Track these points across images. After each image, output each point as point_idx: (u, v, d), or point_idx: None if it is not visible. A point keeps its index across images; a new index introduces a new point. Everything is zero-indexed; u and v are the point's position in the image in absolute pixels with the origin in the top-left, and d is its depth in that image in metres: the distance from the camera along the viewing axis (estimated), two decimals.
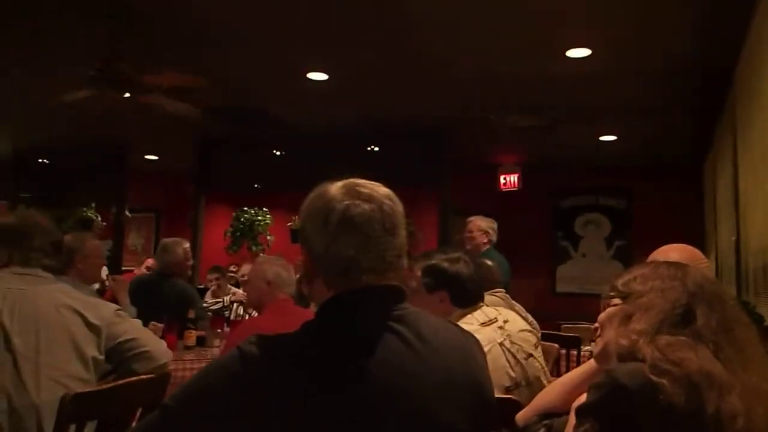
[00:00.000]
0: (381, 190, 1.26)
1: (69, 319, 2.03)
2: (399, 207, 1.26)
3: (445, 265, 2.29)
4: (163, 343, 2.28)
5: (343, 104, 6.58)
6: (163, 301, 4.27)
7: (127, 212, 9.18)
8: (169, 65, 4.98)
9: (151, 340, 2.20)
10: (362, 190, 1.23)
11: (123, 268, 9.30)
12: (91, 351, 2.03)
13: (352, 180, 1.26)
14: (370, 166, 7.52)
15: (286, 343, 1.11)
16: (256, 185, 9.31)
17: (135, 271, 6.82)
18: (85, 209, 9.51)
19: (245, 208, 9.48)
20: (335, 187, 1.24)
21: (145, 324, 4.00)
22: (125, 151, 9.00)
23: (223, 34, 4.90)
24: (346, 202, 1.19)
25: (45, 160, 9.78)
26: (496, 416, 1.33)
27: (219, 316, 4.74)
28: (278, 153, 8.46)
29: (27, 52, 5.37)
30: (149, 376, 2.05)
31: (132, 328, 2.17)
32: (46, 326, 2.00)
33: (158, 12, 4.55)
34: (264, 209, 9.51)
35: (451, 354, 1.21)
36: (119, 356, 2.11)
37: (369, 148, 7.94)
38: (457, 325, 1.38)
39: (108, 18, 4.48)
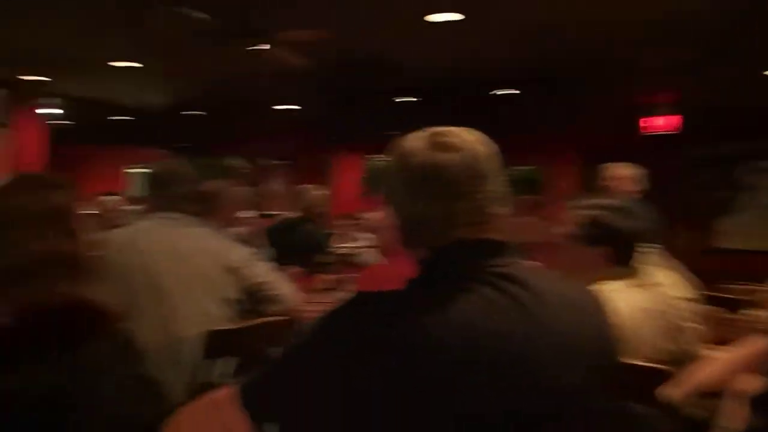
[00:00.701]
0: (468, 135, 1.15)
1: (208, 260, 2.15)
2: (492, 151, 1.15)
3: (615, 217, 1.98)
4: (293, 287, 2.36)
5: (473, 46, 6.36)
6: (297, 245, 4.44)
7: (266, 161, 9.60)
8: (296, 18, 5.02)
9: (282, 283, 2.28)
10: (446, 138, 1.13)
11: (262, 213, 9.79)
12: (227, 292, 2.15)
13: (433, 129, 1.17)
14: (500, 111, 7.37)
15: (386, 301, 1.06)
16: (387, 133, 9.34)
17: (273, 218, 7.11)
18: (230, 158, 9.99)
19: (376, 156, 9.59)
20: (415, 139, 1.15)
21: (279, 267, 4.22)
22: (265, 102, 9.35)
23: None
24: (429, 153, 1.10)
25: (201, 112, 10.40)
26: (623, 381, 1.21)
27: (349, 262, 4.86)
28: (408, 100, 8.43)
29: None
30: (281, 317, 2.13)
31: (265, 271, 2.26)
32: (187, 267, 2.13)
33: None
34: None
35: (568, 313, 1.09)
36: (253, 298, 2.21)
37: (498, 93, 7.68)
38: (578, 283, 1.23)
39: None
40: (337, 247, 5.65)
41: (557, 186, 8.65)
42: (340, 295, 3.80)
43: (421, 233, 1.12)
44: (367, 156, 9.81)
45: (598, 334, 1.16)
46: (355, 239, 5.97)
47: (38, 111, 9.52)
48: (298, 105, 9.83)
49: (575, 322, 1.10)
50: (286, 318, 2.15)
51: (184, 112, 10.36)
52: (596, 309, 1.19)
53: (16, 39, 6.87)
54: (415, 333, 0.99)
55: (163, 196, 2.26)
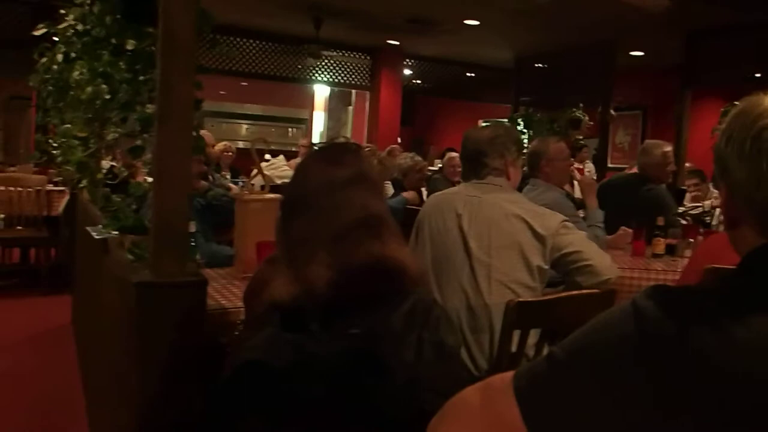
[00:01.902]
0: None
1: (517, 227, 2.08)
2: None
3: None
4: (608, 258, 2.15)
5: None
6: (636, 205, 4.08)
7: (612, 111, 9.07)
8: None
9: (596, 253, 2.10)
10: None
11: (609, 166, 9.32)
12: (536, 260, 2.05)
13: None
14: None
15: (695, 302, 0.83)
16: (752, 75, 8.05)
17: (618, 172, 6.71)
18: (574, 109, 9.70)
19: (735, 103, 8.30)
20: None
21: (615, 229, 3.94)
22: (613, 48, 8.81)
23: None
24: None
25: (542, 65, 10.30)
26: None
27: (696, 224, 4.33)
28: None
29: None
30: (592, 291, 1.98)
31: (578, 240, 2.11)
32: (498, 233, 2.09)
33: None
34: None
35: None
36: (564, 268, 2.09)
37: None
38: None
39: None
40: (687, 208, 5.10)
41: None
42: (682, 262, 3.47)
43: (764, 215, 0.87)
44: (726, 103, 8.60)
45: None
46: (708, 197, 5.33)
47: (397, 72, 10.44)
48: (647, 50, 9.04)
49: None
50: (600, 292, 1.98)
51: (530, 65, 10.35)
52: None
53: (382, 8, 7.60)
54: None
55: (477, 162, 2.25)
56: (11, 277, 5.74)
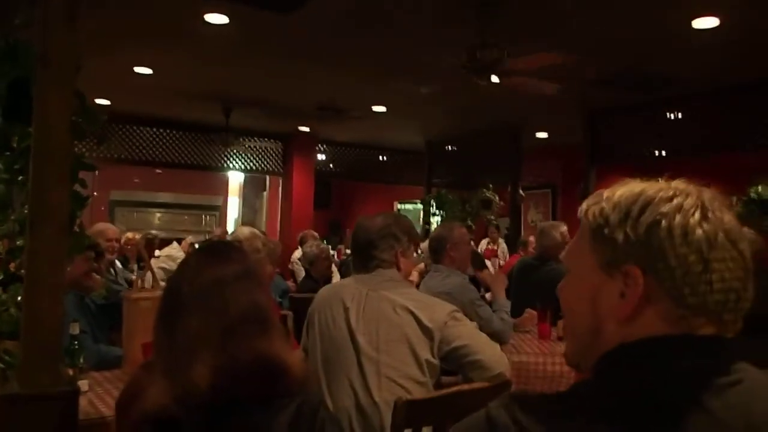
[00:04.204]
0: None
1: (405, 319, 2.06)
2: None
3: None
4: (498, 350, 2.15)
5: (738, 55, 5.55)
6: (539, 286, 4.19)
7: (521, 191, 9.42)
8: (535, 44, 4.84)
9: (485, 347, 2.09)
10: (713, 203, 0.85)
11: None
12: (425, 354, 2.03)
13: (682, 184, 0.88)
14: None
15: (546, 410, 0.83)
16: (654, 152, 8.57)
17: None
18: (485, 190, 10.01)
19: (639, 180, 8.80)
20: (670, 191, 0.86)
21: (521, 310, 4.00)
22: (518, 131, 9.23)
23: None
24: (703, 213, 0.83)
25: (452, 147, 10.66)
26: None
27: None
28: (672, 116, 7.63)
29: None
30: (483, 385, 1.96)
31: (467, 332, 2.10)
32: (386, 326, 2.07)
33: None
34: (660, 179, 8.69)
35: None
36: (454, 362, 2.07)
37: None
38: None
39: (475, 6, 4.52)
40: None
41: None
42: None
43: (684, 307, 0.82)
44: (631, 179, 9.05)
45: None
46: None
47: (309, 157, 10.56)
48: (551, 131, 9.53)
49: None
50: (492, 385, 1.96)
51: (441, 148, 10.69)
52: None
53: (291, 98, 7.75)
54: None
55: (366, 255, 2.24)
56: None
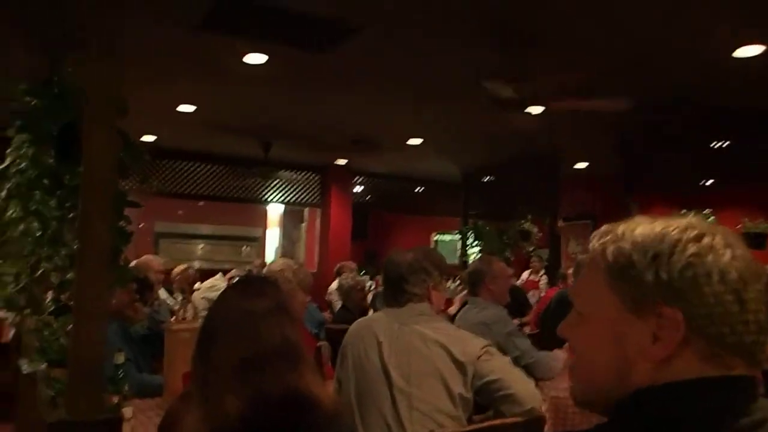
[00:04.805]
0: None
1: (437, 353, 2.08)
2: None
3: None
4: (531, 385, 2.15)
5: None
6: None
7: (560, 222, 9.33)
8: (571, 74, 4.87)
9: (518, 381, 2.08)
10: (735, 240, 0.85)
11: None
12: (458, 387, 2.04)
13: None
14: None
15: None
16: (698, 182, 8.38)
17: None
18: (522, 221, 9.96)
19: (684, 211, 8.60)
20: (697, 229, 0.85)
21: (556, 343, 3.94)
22: (557, 161, 9.19)
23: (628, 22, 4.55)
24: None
25: (489, 177, 10.67)
26: None
27: None
28: (718, 144, 7.48)
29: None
30: (515, 420, 1.96)
31: (500, 367, 2.10)
32: (418, 360, 2.09)
33: (537, 26, 4.48)
34: (706, 210, 8.52)
35: None
36: (487, 396, 2.07)
37: None
38: None
39: (493, 38, 4.58)
40: None
41: None
42: None
43: (719, 345, 0.81)
44: (675, 209, 8.86)
45: None
46: None
47: (346, 189, 10.68)
48: (591, 161, 9.44)
49: None
50: (523, 421, 1.96)
51: (477, 179, 10.69)
52: None
53: (327, 131, 7.91)
54: None
55: (397, 289, 2.27)
56: None
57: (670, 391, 0.80)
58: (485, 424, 1.97)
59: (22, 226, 2.76)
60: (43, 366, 2.52)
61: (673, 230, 0.84)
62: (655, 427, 0.79)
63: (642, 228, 0.87)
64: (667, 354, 0.80)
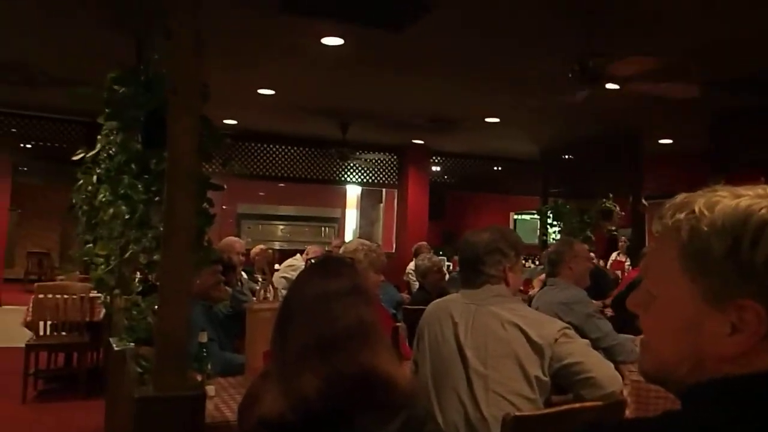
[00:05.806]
0: None
1: (513, 335, 2.05)
2: None
3: None
4: (611, 368, 2.09)
5: None
6: None
7: (643, 201, 9.02)
8: (643, 49, 4.66)
9: (598, 364, 2.03)
10: None
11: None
12: (534, 370, 2.00)
13: None
14: None
15: None
16: None
17: None
18: (604, 200, 9.66)
19: None
20: None
21: (627, 329, 3.81)
22: (639, 138, 8.87)
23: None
24: None
25: (568, 156, 10.41)
26: None
27: None
28: None
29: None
30: (595, 404, 1.92)
31: (578, 349, 2.05)
32: (494, 342, 2.07)
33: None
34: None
35: None
36: (565, 380, 2.03)
37: None
38: None
39: (584, 15, 4.44)
40: None
41: None
42: None
43: None
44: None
45: None
46: None
47: (423, 169, 10.66)
48: (675, 137, 9.06)
49: None
50: (604, 404, 1.91)
51: (557, 157, 10.46)
52: None
53: (404, 111, 7.91)
54: None
55: (473, 270, 2.24)
56: (54, 382, 5.88)
57: (747, 383, 0.73)
58: (563, 407, 1.94)
59: (111, 210, 2.90)
60: (132, 344, 2.65)
61: (761, 209, 0.74)
62: (738, 419, 0.72)
63: (723, 204, 0.76)
64: (745, 348, 0.74)
